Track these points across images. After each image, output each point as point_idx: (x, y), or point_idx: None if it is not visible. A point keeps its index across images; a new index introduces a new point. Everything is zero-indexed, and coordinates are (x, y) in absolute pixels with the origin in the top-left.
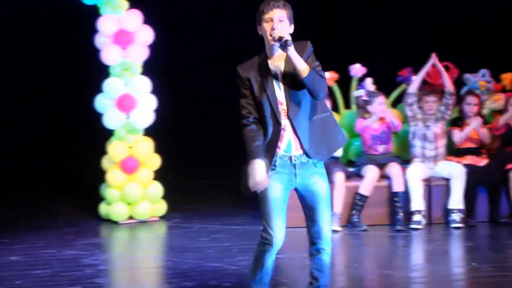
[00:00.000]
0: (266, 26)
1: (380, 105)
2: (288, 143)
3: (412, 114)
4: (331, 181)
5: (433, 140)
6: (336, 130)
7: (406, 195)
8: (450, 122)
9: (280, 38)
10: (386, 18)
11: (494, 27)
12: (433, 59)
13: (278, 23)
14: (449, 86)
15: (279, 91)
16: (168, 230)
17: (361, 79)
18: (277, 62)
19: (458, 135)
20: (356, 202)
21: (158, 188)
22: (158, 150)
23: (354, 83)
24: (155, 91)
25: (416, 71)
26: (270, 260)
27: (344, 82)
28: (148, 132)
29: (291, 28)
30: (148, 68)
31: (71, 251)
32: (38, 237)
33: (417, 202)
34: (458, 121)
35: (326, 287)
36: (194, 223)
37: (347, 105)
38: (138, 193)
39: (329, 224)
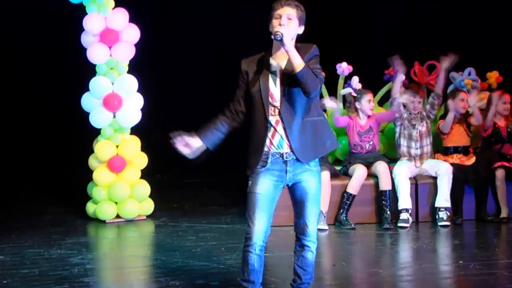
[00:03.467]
0: (275, 22)
1: (369, 103)
2: (280, 140)
3: (397, 115)
4: None
5: (419, 139)
6: (326, 135)
7: (393, 194)
8: (436, 120)
9: (276, 33)
10: (372, 16)
11: (479, 25)
12: (443, 67)
13: (286, 20)
14: (440, 88)
15: (274, 88)
16: (155, 229)
17: (348, 78)
18: (279, 60)
19: (444, 124)
20: (344, 200)
21: (145, 187)
22: (145, 149)
23: (340, 82)
24: (141, 90)
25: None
26: (254, 257)
27: (331, 80)
28: (135, 131)
29: (300, 29)
30: (135, 67)
31: (58, 250)
32: (25, 236)
33: (405, 200)
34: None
35: (309, 285)
36: (181, 222)
37: None
38: (125, 192)
39: (315, 222)
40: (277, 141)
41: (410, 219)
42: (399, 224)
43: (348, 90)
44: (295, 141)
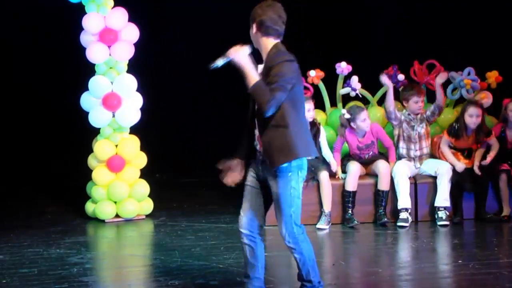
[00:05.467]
0: None
1: (364, 122)
2: (256, 139)
3: (396, 122)
4: (316, 180)
5: (418, 141)
6: (286, 145)
7: (393, 193)
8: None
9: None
10: (372, 16)
11: (479, 25)
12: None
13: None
14: (440, 101)
15: None
16: (154, 228)
17: (347, 77)
18: (260, 68)
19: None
20: (346, 199)
21: (144, 187)
22: (144, 148)
23: (340, 81)
24: (141, 89)
25: (401, 69)
26: (245, 247)
27: (330, 80)
28: (134, 130)
29: (257, 31)
30: (134, 66)
31: (58, 249)
32: (24, 236)
33: (404, 200)
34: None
35: (312, 283)
36: (180, 221)
37: (333, 103)
38: (125, 191)
39: (282, 225)
40: (255, 139)
41: (410, 218)
42: (399, 224)
43: (347, 89)
44: (263, 144)
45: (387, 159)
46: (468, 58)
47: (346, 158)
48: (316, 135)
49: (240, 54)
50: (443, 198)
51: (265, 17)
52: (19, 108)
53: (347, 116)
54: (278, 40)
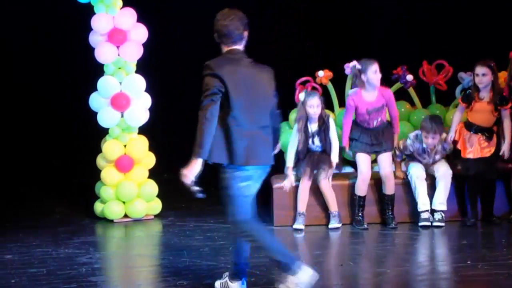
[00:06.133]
0: None
1: (375, 73)
2: None
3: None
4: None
5: (431, 152)
6: (221, 145)
7: (409, 193)
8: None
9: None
10: (380, 16)
11: (488, 26)
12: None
13: None
14: (450, 142)
15: None
16: (163, 228)
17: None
18: None
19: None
20: (355, 203)
21: (153, 187)
22: (153, 148)
23: (348, 82)
24: (149, 90)
25: (410, 69)
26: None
27: (339, 80)
28: (143, 130)
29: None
30: (143, 67)
31: (66, 249)
32: (33, 236)
33: (424, 201)
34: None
35: (281, 263)
36: (189, 221)
37: (342, 104)
38: (133, 191)
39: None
40: None
41: (431, 217)
42: (421, 224)
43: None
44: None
45: (389, 148)
46: (477, 58)
47: (355, 134)
48: (324, 130)
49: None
50: (438, 202)
51: (216, 26)
52: (29, 107)
53: (358, 66)
54: (230, 47)
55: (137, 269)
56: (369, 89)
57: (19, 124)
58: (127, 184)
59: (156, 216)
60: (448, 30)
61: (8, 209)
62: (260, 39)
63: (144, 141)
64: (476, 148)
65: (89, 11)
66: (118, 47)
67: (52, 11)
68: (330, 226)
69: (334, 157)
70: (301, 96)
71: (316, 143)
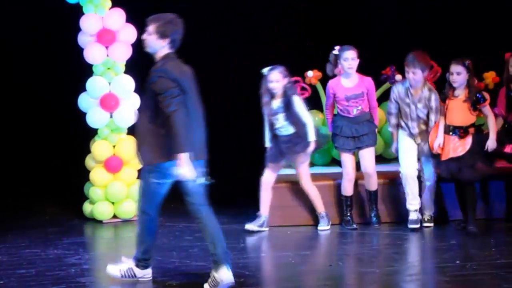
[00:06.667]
0: None
1: (346, 61)
2: None
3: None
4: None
5: (414, 96)
6: (155, 145)
7: (398, 192)
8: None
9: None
10: (380, 16)
11: (476, 26)
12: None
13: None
14: (437, 150)
15: None
16: None
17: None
18: None
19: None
20: (342, 203)
21: None
22: None
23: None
24: (138, 90)
25: (399, 69)
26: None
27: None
28: (132, 131)
29: (162, 42)
30: (132, 67)
31: (55, 250)
32: (22, 236)
33: (413, 201)
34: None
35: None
36: (178, 222)
37: None
38: (122, 192)
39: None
40: None
41: (419, 216)
42: (410, 226)
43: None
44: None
45: (372, 143)
46: (456, 57)
47: (336, 129)
48: (287, 105)
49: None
50: (426, 204)
51: (167, 30)
52: (18, 108)
53: (335, 52)
54: (171, 50)
55: None
56: (346, 75)
57: (19, 124)
58: (116, 185)
59: None
60: (448, 30)
61: None
62: (260, 39)
63: (133, 142)
64: (447, 150)
65: (78, 11)
66: (107, 47)
67: (52, 11)
68: (319, 228)
69: (310, 135)
70: (264, 70)
71: (280, 122)
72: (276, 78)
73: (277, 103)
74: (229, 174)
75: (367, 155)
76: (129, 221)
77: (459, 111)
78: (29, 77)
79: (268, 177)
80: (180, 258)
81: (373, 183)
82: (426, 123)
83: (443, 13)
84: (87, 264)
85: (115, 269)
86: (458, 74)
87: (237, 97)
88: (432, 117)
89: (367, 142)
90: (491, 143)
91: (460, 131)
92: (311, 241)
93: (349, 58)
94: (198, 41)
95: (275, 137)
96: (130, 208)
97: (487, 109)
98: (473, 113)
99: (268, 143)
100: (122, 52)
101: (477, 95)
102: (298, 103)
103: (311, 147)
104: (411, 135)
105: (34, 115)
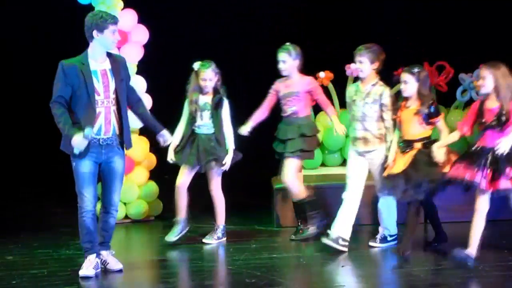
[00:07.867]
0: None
1: (284, 64)
2: (100, 127)
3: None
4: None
5: (361, 120)
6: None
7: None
8: None
9: None
10: (380, 16)
11: (490, 27)
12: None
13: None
14: (391, 165)
15: (97, 83)
16: (164, 229)
17: (357, 79)
18: (100, 63)
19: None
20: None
21: (154, 188)
22: (154, 149)
23: (349, 83)
24: (150, 91)
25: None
26: (89, 221)
27: (340, 81)
28: (144, 131)
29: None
30: (144, 68)
31: (67, 250)
32: (34, 237)
33: (341, 228)
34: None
35: (109, 243)
36: (189, 222)
37: (343, 104)
38: (134, 193)
39: (119, 194)
40: (96, 128)
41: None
42: (324, 241)
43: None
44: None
45: (299, 156)
46: (479, 60)
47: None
48: (217, 105)
49: None
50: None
51: (99, 24)
52: (28, 108)
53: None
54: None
55: (138, 270)
56: (291, 75)
57: (19, 124)
58: (128, 186)
59: (156, 217)
60: (449, 30)
61: (8, 210)
62: (260, 39)
63: (145, 143)
64: (391, 166)
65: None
66: (119, 48)
67: (52, 11)
68: (205, 240)
69: (230, 143)
70: (195, 65)
71: (205, 120)
72: (210, 77)
73: (205, 99)
74: (244, 175)
75: (288, 165)
76: (141, 221)
77: (409, 124)
78: (29, 77)
79: (183, 182)
80: (192, 259)
81: (294, 194)
82: (372, 126)
83: (443, 13)
84: None
85: None
86: (405, 83)
87: (237, 97)
88: (385, 115)
89: (291, 149)
90: (436, 151)
91: (406, 145)
92: (322, 242)
93: (280, 61)
94: (198, 41)
95: (192, 135)
96: (141, 208)
97: (441, 123)
98: (425, 126)
99: (177, 138)
100: (134, 52)
101: (430, 107)
102: (226, 109)
103: (230, 155)
104: (358, 152)
105: (44, 115)
